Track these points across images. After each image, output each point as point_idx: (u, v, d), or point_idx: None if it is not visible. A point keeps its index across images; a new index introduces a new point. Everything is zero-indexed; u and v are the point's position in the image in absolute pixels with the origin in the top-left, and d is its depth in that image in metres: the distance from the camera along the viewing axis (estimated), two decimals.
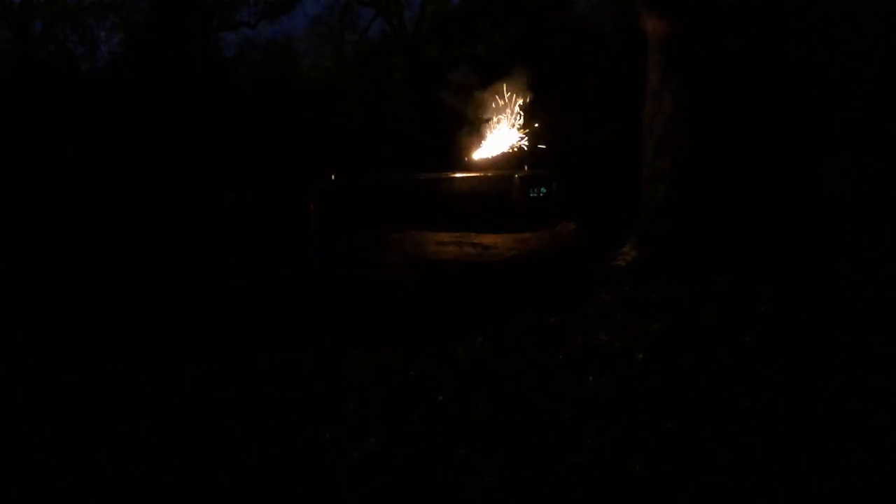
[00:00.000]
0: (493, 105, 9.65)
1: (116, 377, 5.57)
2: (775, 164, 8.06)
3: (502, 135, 9.57)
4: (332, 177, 9.41)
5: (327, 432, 4.40)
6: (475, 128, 9.57)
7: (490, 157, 9.57)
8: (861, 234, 7.44)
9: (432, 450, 4.10)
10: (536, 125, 9.61)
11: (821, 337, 5.51)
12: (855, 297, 6.17)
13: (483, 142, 9.48)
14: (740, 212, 7.92)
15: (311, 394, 5.14)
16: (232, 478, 3.92)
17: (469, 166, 9.46)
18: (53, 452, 4.27)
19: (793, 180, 8.05)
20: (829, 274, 6.78)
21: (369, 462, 3.99)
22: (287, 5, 14.70)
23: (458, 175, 9.28)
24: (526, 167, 9.62)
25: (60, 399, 5.17)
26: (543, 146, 9.36)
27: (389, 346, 6.08)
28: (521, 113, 9.66)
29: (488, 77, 10.06)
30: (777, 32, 8.51)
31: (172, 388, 5.34)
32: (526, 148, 9.65)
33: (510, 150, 9.52)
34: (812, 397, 4.47)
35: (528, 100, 9.73)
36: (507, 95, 9.69)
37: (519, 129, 9.56)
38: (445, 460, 3.95)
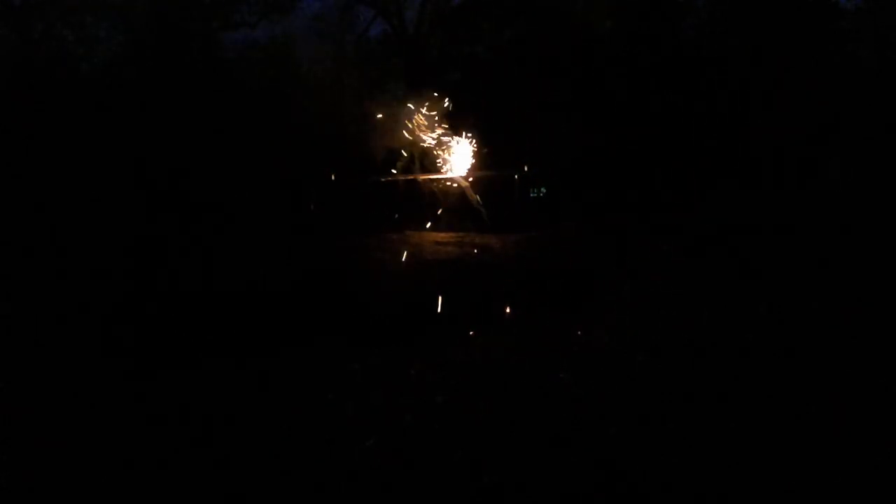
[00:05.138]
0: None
1: (119, 379, 5.56)
2: None
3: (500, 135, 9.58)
4: (332, 177, 9.41)
5: (327, 432, 4.40)
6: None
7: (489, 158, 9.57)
8: None
9: (432, 450, 4.10)
10: (535, 127, 9.62)
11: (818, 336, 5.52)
12: None
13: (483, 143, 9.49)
14: None
15: (311, 394, 5.14)
16: (232, 478, 3.92)
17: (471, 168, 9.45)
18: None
19: None
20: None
21: (369, 462, 4.00)
22: (287, 5, 14.69)
23: (457, 175, 9.27)
24: (526, 167, 9.62)
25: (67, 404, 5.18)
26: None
27: (390, 346, 6.07)
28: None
29: (488, 78, 10.06)
30: None
31: (172, 389, 5.34)
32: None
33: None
34: (811, 396, 4.47)
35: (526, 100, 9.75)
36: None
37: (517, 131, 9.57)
38: (445, 461, 3.95)
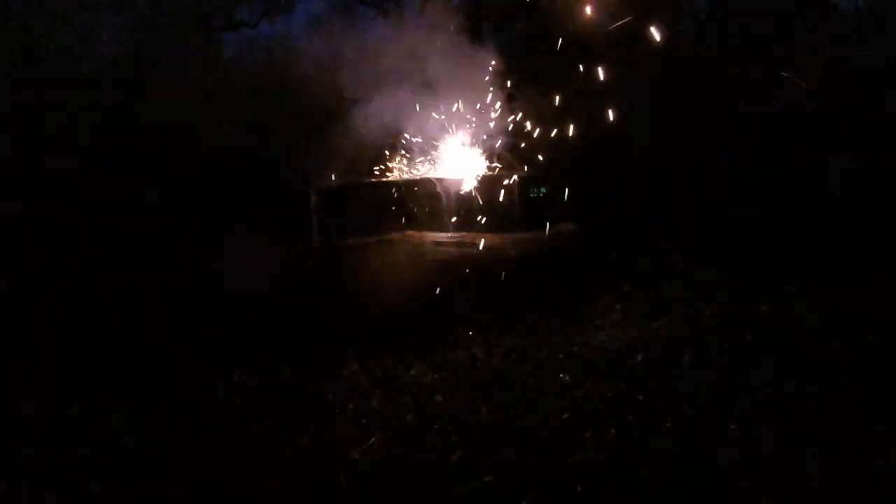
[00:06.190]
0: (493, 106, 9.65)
1: (132, 378, 5.55)
2: None
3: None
4: (332, 177, 9.41)
5: (329, 432, 4.41)
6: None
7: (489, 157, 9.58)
8: None
9: (432, 450, 4.10)
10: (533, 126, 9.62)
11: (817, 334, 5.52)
12: None
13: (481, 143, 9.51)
14: None
15: (312, 395, 5.15)
16: (233, 477, 3.92)
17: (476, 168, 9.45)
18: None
19: None
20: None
21: (370, 462, 4.00)
22: (287, 5, 14.69)
23: (458, 175, 9.27)
24: (526, 167, 9.62)
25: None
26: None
27: (390, 346, 6.07)
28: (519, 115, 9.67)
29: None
30: None
31: (177, 388, 5.34)
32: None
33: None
34: (811, 397, 4.47)
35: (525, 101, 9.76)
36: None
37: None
38: (445, 461, 3.96)
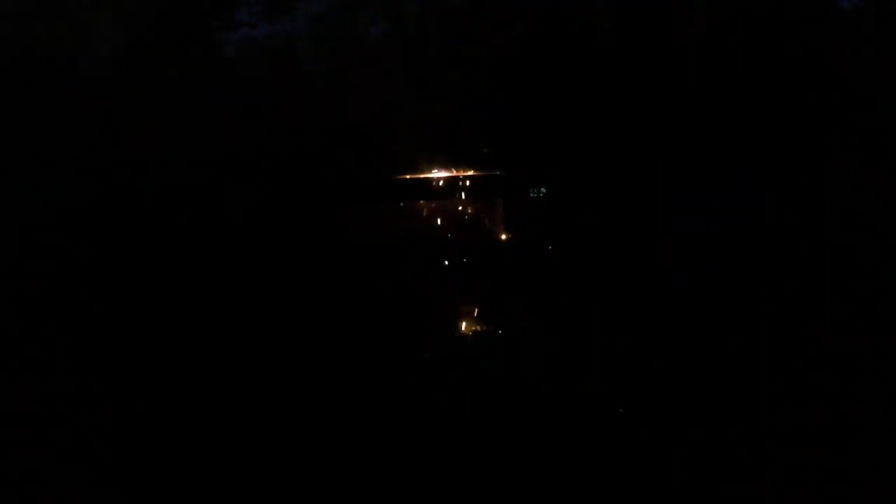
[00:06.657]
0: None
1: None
2: None
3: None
4: (332, 177, 9.41)
5: (329, 432, 4.42)
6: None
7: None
8: None
9: (431, 450, 4.11)
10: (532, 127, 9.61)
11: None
12: None
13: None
14: None
15: (315, 394, 5.15)
16: (233, 476, 3.93)
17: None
18: None
19: None
20: None
21: (370, 461, 4.02)
22: (287, 5, 14.71)
23: (459, 174, 9.27)
24: (526, 168, 9.61)
25: None
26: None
27: (387, 345, 6.07)
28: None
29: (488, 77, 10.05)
30: None
31: (173, 384, 5.34)
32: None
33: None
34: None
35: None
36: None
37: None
38: (443, 460, 3.96)
